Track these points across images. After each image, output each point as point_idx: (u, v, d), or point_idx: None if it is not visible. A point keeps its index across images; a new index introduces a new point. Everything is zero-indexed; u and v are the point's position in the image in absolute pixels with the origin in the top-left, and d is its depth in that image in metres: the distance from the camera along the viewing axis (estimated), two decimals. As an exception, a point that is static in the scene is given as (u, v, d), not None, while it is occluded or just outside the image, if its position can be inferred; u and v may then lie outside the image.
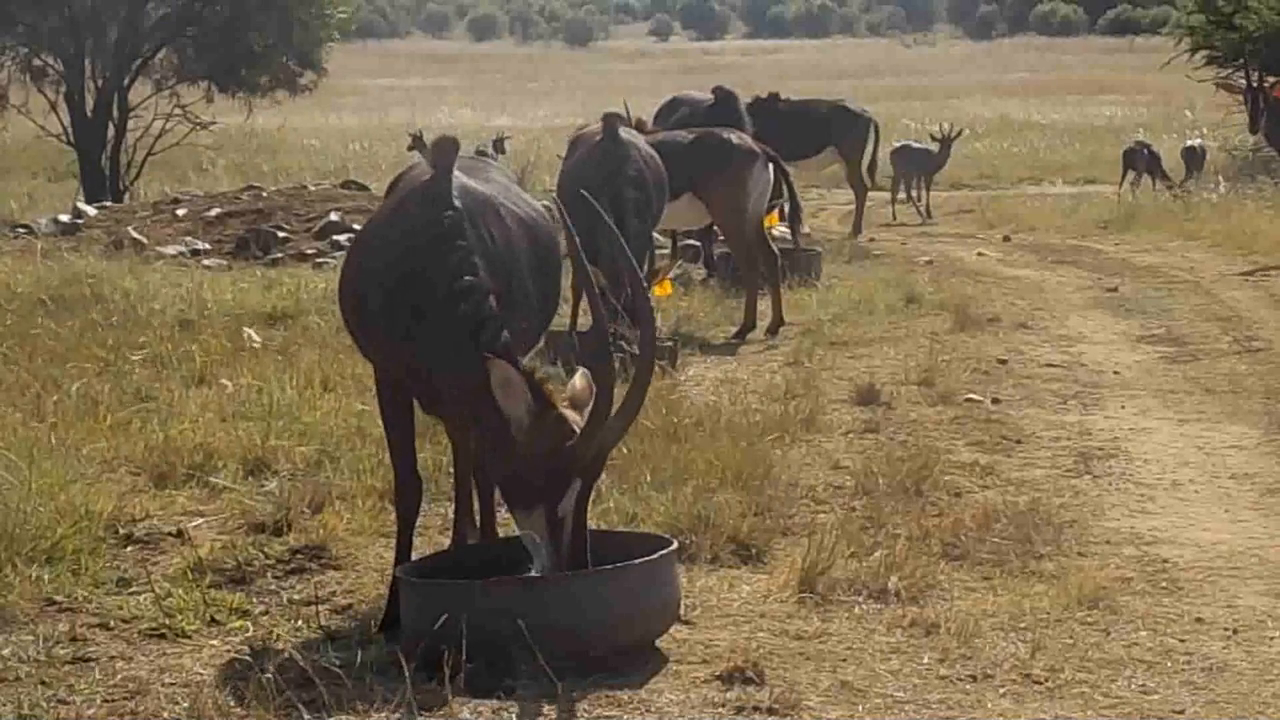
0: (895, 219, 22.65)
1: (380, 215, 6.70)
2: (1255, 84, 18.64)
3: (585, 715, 5.48)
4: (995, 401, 10.43)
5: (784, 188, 14.20)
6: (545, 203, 15.12)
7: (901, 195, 23.44)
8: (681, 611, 6.24)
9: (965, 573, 7.03)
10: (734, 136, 13.73)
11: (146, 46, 25.48)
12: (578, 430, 5.86)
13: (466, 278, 6.05)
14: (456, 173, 6.35)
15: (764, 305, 13.38)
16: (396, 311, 6.18)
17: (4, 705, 5.49)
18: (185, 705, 5.50)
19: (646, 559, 5.95)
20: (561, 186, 12.20)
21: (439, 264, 6.08)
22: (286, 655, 5.89)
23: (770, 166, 13.57)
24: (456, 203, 6.20)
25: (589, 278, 6.38)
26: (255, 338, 11.43)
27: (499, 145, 23.42)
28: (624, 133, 11.98)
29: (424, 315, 6.09)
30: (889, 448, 9.02)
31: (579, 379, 6.15)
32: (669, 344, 11.35)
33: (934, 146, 23.60)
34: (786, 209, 14.35)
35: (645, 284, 6.07)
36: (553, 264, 6.73)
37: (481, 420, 5.99)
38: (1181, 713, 5.61)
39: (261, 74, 25.88)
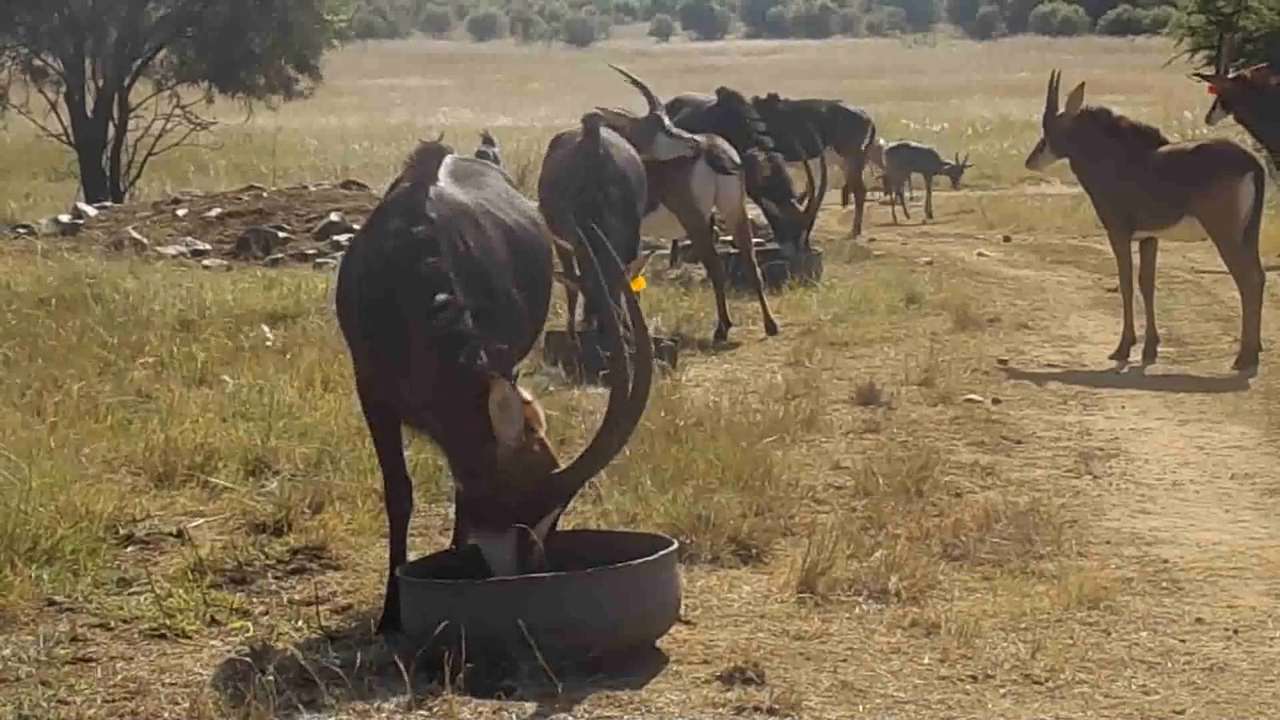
0: (895, 220, 22.65)
1: (364, 226, 6.66)
2: (1223, 73, 18.17)
3: (585, 715, 5.47)
4: (995, 401, 10.43)
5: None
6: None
7: (895, 195, 23.42)
8: (681, 611, 6.24)
9: (965, 573, 7.03)
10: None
11: (146, 47, 25.43)
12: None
13: (440, 295, 5.94)
14: (440, 181, 6.27)
15: (754, 306, 13.41)
16: (376, 325, 6.12)
17: (4, 705, 5.49)
18: (185, 705, 5.50)
19: (647, 559, 5.95)
20: (543, 185, 12.19)
21: (411, 279, 5.98)
22: (286, 655, 5.89)
23: (721, 166, 13.49)
24: (431, 214, 6.10)
25: (599, 282, 6.31)
26: (269, 334, 11.44)
27: (487, 141, 23.35)
28: (604, 133, 11.99)
29: (400, 331, 6.00)
30: (889, 448, 9.02)
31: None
32: (669, 344, 11.35)
33: (933, 146, 23.60)
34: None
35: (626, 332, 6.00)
36: (542, 271, 6.66)
37: (461, 441, 5.93)
38: (1182, 713, 5.61)
39: (261, 75, 25.86)
